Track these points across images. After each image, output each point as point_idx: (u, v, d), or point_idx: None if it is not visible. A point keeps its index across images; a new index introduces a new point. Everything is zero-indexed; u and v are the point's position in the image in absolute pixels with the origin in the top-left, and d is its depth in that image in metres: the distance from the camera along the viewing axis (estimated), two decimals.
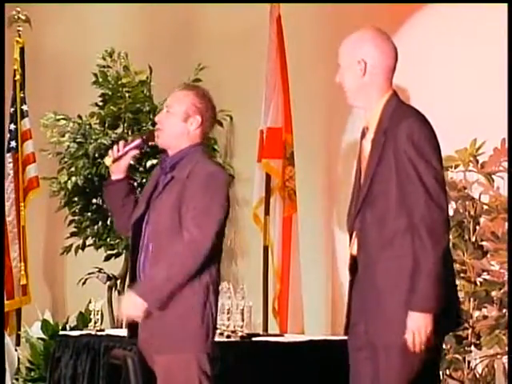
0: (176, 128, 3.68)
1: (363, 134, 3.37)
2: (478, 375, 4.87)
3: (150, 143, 3.82)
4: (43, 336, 6.22)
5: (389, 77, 3.35)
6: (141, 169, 6.15)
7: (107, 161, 3.77)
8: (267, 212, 5.91)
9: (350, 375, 3.37)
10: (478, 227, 4.98)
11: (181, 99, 3.70)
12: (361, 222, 3.29)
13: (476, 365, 4.89)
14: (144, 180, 6.12)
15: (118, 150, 3.73)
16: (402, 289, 3.17)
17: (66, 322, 6.39)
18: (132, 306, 3.54)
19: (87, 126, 6.40)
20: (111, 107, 6.34)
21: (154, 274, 3.54)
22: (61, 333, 5.75)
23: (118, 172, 3.77)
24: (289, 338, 5.21)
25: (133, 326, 3.67)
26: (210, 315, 3.59)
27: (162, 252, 3.58)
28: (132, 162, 6.18)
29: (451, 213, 4.93)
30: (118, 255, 6.44)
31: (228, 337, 5.06)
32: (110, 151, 3.77)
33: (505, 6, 5.01)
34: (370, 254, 3.26)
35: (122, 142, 3.78)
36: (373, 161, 3.27)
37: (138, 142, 3.77)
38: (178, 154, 3.68)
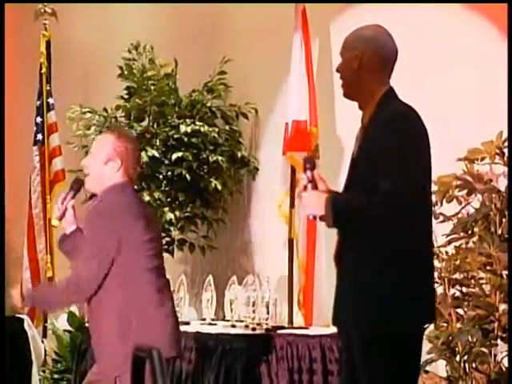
0: (98, 171, 3.95)
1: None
2: (504, 368, 4.82)
3: (81, 187, 4.16)
4: (69, 328, 6.24)
5: (384, 75, 3.39)
6: (166, 161, 6.15)
7: (54, 222, 4.14)
8: (292, 205, 5.90)
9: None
10: (504, 220, 4.92)
11: (102, 143, 3.98)
12: None
13: (502, 358, 4.84)
14: (169, 173, 6.13)
15: (59, 209, 4.07)
16: None
17: None
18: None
19: (113, 119, 6.41)
20: (136, 100, 6.35)
21: None
22: (87, 325, 5.80)
23: (69, 225, 4.09)
24: (314, 330, 5.22)
25: None
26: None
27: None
28: (157, 155, 6.21)
29: (477, 205, 4.91)
30: None
31: (253, 329, 5.08)
32: (52, 213, 4.22)
33: (505, 6, 4.99)
34: None
35: (58, 202, 4.12)
36: (355, 151, 3.39)
37: (71, 193, 4.13)
38: (100, 195, 3.99)
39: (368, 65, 3.36)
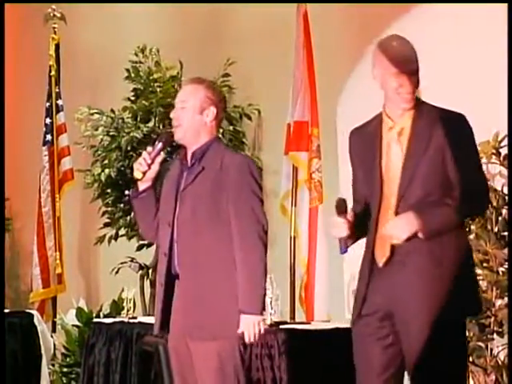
0: (193, 121, 3.69)
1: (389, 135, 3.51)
2: (500, 362, 4.87)
3: (171, 142, 3.80)
4: (78, 323, 6.27)
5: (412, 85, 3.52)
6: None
7: (137, 174, 3.72)
8: (294, 203, 5.99)
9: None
10: (500, 218, 4.97)
11: (193, 93, 3.71)
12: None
13: (498, 352, 4.88)
14: None
15: (146, 161, 3.70)
16: None
17: (100, 310, 6.46)
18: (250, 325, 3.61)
19: (120, 120, 6.46)
20: (143, 101, 6.42)
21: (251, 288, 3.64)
22: (95, 320, 5.82)
23: (146, 181, 3.75)
24: (315, 325, 5.29)
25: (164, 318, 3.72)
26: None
27: (195, 241, 3.64)
28: (163, 155, 6.31)
29: None
30: (149, 245, 6.49)
31: None
32: (135, 164, 3.73)
33: (505, 6, 5.04)
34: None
35: (145, 153, 3.73)
36: (415, 157, 3.46)
37: (159, 146, 3.72)
38: (202, 147, 3.69)
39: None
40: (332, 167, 6.04)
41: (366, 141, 3.60)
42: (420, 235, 3.41)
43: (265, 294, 3.71)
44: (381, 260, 3.51)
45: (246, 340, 3.62)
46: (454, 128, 3.49)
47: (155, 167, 3.74)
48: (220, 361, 3.63)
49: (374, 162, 3.53)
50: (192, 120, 3.70)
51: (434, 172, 3.47)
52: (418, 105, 3.56)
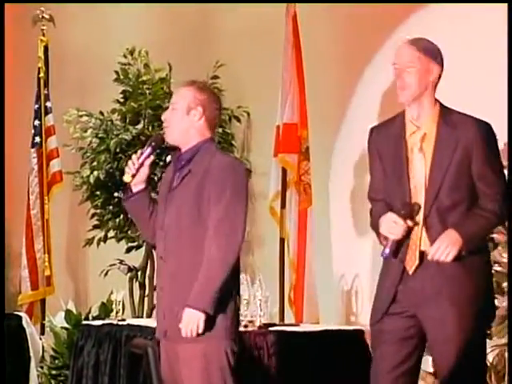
0: (181, 122, 3.72)
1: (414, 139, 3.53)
2: (489, 364, 4.86)
3: (161, 145, 3.84)
4: (67, 325, 6.25)
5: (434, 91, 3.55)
6: (161, 163, 6.24)
7: (126, 178, 3.75)
8: (283, 205, 6.00)
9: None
10: None
11: (183, 95, 3.75)
12: (441, 222, 3.49)
13: (487, 354, 4.96)
14: (163, 175, 6.22)
15: (134, 164, 3.74)
16: None
17: (89, 312, 6.44)
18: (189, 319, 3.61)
19: (109, 122, 6.46)
20: (132, 104, 6.43)
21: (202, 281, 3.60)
22: (84, 322, 5.82)
23: (139, 183, 3.78)
24: (304, 327, 5.30)
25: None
26: (235, 302, 3.70)
27: (178, 243, 3.65)
28: (152, 157, 6.30)
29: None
30: (138, 247, 6.52)
31: (245, 326, 5.14)
32: (126, 168, 3.77)
33: (505, 6, 5.06)
34: None
35: (135, 156, 3.77)
36: (444, 164, 3.49)
37: (149, 149, 3.77)
38: (192, 149, 3.72)
39: (432, 80, 3.59)
40: (321, 169, 6.07)
41: (391, 143, 3.58)
42: (463, 253, 3.47)
43: (220, 295, 3.63)
44: (411, 268, 3.56)
45: (183, 334, 3.61)
46: (480, 135, 3.50)
47: (145, 170, 3.78)
48: (206, 362, 3.64)
49: (401, 168, 3.53)
50: (180, 121, 3.73)
51: (460, 180, 3.49)
52: (442, 110, 3.56)
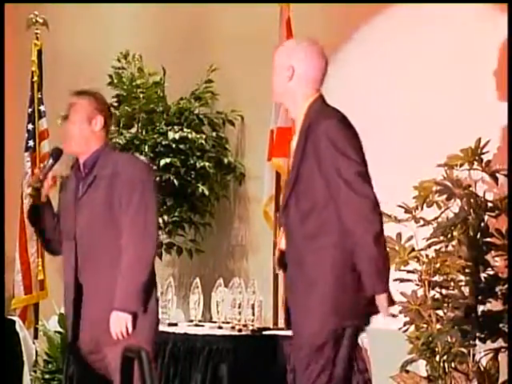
0: (81, 131, 3.85)
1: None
2: (482, 368, 4.89)
3: (60, 157, 3.97)
4: (60, 329, 6.27)
5: (315, 85, 3.61)
6: (154, 167, 6.24)
7: (30, 191, 3.93)
8: (277, 209, 6.00)
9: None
10: (482, 224, 5.00)
11: (78, 106, 3.90)
12: (286, 216, 3.48)
13: (480, 358, 4.91)
14: (158, 178, 6.23)
15: (38, 178, 3.90)
16: (327, 280, 3.37)
17: None
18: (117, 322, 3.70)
19: None
20: (126, 107, 6.44)
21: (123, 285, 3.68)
22: None
23: (43, 196, 3.92)
24: None
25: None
26: (154, 303, 3.78)
27: (94, 249, 3.74)
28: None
29: (456, 210, 5.01)
30: None
31: (239, 330, 5.15)
32: (29, 180, 3.94)
33: (505, 6, 5.08)
34: (297, 247, 3.44)
35: (37, 171, 3.95)
36: (296, 159, 3.50)
37: (50, 162, 3.95)
38: (93, 156, 3.84)
39: (298, 77, 3.69)
40: None
41: None
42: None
43: (142, 295, 3.72)
44: None
45: (114, 337, 3.68)
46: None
47: (47, 183, 3.93)
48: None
49: None
50: (79, 130, 3.85)
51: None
52: (314, 101, 3.59)
